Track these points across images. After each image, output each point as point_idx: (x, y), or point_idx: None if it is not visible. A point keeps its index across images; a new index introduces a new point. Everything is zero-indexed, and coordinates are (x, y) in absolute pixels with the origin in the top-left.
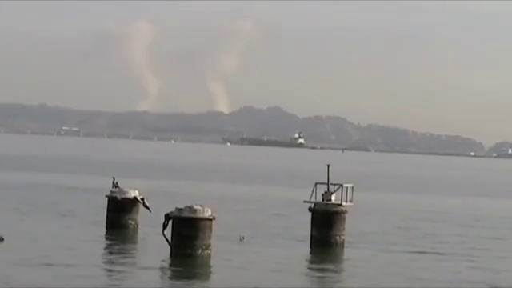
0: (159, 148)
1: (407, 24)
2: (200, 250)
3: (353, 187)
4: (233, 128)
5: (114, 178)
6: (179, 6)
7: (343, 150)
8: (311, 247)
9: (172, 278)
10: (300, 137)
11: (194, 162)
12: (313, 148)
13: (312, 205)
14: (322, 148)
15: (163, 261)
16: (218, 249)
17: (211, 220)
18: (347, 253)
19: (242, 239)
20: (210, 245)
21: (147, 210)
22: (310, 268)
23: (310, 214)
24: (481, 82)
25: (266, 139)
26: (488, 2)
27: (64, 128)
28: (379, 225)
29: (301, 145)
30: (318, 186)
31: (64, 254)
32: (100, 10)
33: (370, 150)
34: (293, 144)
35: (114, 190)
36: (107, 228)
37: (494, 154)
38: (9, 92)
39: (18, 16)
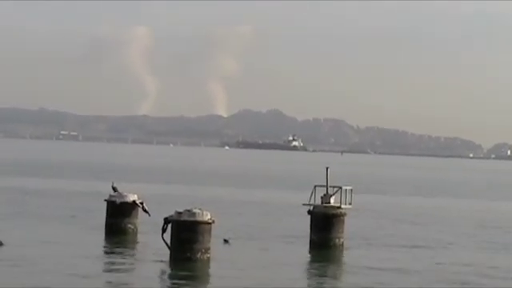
0: (158, 152)
1: (407, 25)
2: (199, 254)
3: (352, 189)
4: (232, 131)
5: (112, 183)
6: (178, 10)
7: (342, 152)
8: (310, 250)
9: (171, 281)
10: (294, 139)
11: (192, 165)
12: (305, 150)
13: (311, 207)
14: (314, 151)
15: (162, 265)
16: (217, 252)
17: (210, 223)
18: (346, 255)
19: (226, 242)
20: (209, 248)
21: (146, 214)
22: (309, 270)
23: (308, 216)
24: (480, 84)
25: (260, 142)
26: (488, 2)
27: (63, 132)
28: (378, 227)
29: (295, 147)
30: (317, 188)
31: (62, 259)
32: (99, 14)
33: (369, 153)
34: (287, 147)
35: (112, 194)
36: (106, 232)
37: (493, 156)
38: (8, 96)
39: (17, 21)
